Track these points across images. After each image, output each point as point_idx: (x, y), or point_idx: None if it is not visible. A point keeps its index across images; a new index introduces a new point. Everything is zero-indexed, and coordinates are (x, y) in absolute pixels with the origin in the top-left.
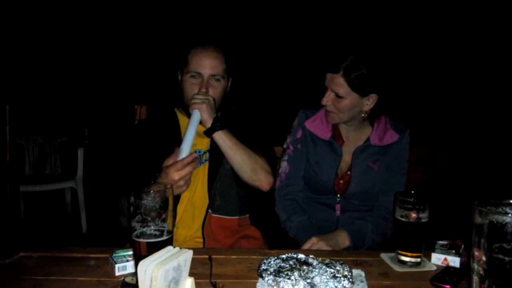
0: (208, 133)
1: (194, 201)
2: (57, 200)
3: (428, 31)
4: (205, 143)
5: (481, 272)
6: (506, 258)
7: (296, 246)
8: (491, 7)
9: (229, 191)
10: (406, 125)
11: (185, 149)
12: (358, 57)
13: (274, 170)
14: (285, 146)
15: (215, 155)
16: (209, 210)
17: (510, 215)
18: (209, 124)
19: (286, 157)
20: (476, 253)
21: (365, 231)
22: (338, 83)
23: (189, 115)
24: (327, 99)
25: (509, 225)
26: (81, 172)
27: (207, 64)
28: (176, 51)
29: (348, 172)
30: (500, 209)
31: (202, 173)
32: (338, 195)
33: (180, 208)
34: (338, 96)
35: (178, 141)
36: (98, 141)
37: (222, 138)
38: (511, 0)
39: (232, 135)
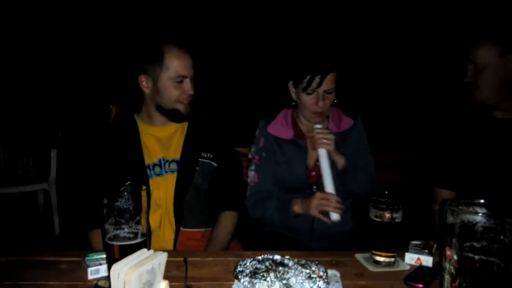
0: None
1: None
2: (29, 202)
3: (397, 37)
4: (171, 152)
5: (452, 271)
6: (476, 256)
7: (272, 247)
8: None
9: (197, 206)
10: (380, 127)
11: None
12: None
13: (240, 175)
14: (250, 156)
15: (186, 169)
16: (181, 228)
17: (480, 214)
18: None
19: (253, 167)
20: (448, 252)
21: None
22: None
23: (160, 121)
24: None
25: (479, 225)
26: (54, 174)
27: (189, 66)
28: (138, 54)
29: (317, 163)
30: (470, 209)
31: (166, 186)
32: (314, 186)
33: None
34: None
35: (137, 149)
36: (72, 142)
37: None
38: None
39: None
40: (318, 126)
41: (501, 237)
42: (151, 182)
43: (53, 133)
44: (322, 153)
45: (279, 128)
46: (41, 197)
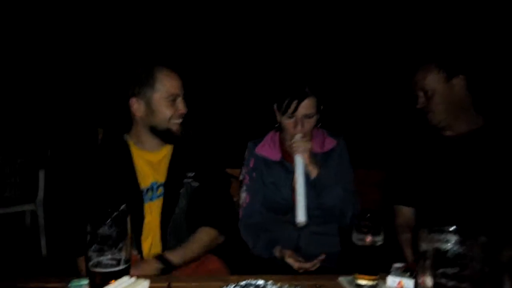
0: None
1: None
2: (16, 223)
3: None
4: (159, 175)
5: None
6: (449, 282)
7: (258, 270)
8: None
9: (182, 230)
10: (364, 148)
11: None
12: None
13: (225, 194)
14: (241, 177)
15: (171, 192)
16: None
17: (451, 242)
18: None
19: (244, 188)
20: (421, 279)
21: None
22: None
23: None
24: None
25: (451, 252)
26: (41, 195)
27: (180, 85)
28: (127, 77)
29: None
30: (443, 236)
31: (155, 210)
32: None
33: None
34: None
35: (130, 172)
36: (60, 164)
37: None
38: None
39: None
40: (298, 136)
41: (472, 263)
42: (145, 207)
43: (42, 154)
44: (297, 160)
45: (267, 149)
46: (28, 218)
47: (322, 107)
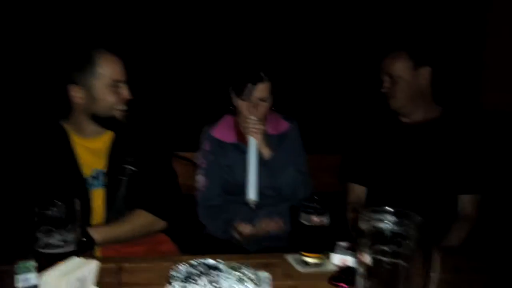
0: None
1: None
2: None
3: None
4: (103, 162)
5: (364, 273)
6: (386, 259)
7: (209, 250)
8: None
9: (123, 215)
10: (318, 132)
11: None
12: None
13: (175, 186)
14: (197, 161)
15: (112, 180)
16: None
17: (387, 221)
18: (267, 152)
19: (201, 171)
20: (359, 256)
21: None
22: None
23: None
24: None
25: (387, 231)
26: None
27: (122, 70)
28: (64, 62)
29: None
30: (380, 216)
31: (99, 198)
32: None
33: None
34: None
35: (71, 161)
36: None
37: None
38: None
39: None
40: (252, 117)
41: (407, 242)
42: (92, 194)
43: None
44: (251, 141)
45: (222, 132)
46: None
47: (275, 90)
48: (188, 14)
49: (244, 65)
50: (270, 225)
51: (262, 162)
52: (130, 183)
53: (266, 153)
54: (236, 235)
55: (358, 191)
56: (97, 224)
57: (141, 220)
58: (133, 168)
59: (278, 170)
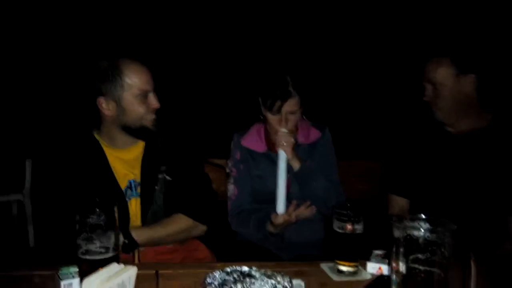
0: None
1: None
2: (3, 213)
3: (367, 50)
4: (136, 172)
5: (399, 281)
6: (421, 267)
7: (244, 257)
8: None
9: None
10: (349, 138)
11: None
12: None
13: (210, 190)
14: (228, 170)
15: (146, 190)
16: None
17: (423, 229)
18: (297, 164)
19: (232, 180)
20: (394, 264)
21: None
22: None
23: (123, 140)
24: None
25: (422, 239)
26: (28, 184)
27: (150, 79)
28: (92, 75)
29: (287, 175)
30: (415, 224)
31: (136, 208)
32: None
33: None
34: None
35: (109, 174)
36: (47, 154)
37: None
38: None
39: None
40: (283, 130)
41: (442, 250)
42: (128, 204)
43: (28, 143)
44: (281, 155)
45: (252, 141)
46: (15, 208)
47: (307, 99)
48: (217, 22)
49: (272, 80)
50: (303, 211)
51: (292, 173)
52: (166, 193)
53: (296, 165)
54: (271, 228)
55: (401, 203)
56: (138, 226)
57: (181, 224)
58: (168, 177)
59: (308, 181)
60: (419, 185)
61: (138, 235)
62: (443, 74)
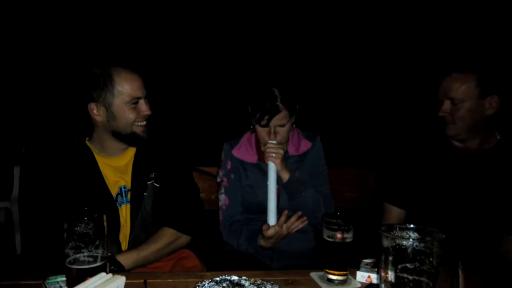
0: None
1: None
2: None
3: (362, 56)
4: (127, 178)
5: None
6: (409, 277)
7: (234, 266)
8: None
9: (151, 231)
10: (340, 147)
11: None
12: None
13: (197, 200)
14: (218, 180)
15: (136, 196)
16: None
17: (411, 239)
18: (287, 175)
19: (222, 190)
20: (383, 274)
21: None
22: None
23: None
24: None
25: (411, 248)
26: (16, 192)
27: (141, 86)
28: (83, 81)
29: (277, 187)
30: (404, 234)
31: (127, 214)
32: None
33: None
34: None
35: (100, 181)
36: (35, 161)
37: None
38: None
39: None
40: (272, 141)
41: (430, 259)
42: (119, 211)
43: (16, 150)
44: (270, 166)
45: (243, 151)
46: (2, 215)
47: (297, 107)
48: (208, 31)
49: (260, 93)
50: (295, 223)
51: (282, 184)
52: (155, 199)
53: (286, 176)
54: (263, 242)
55: (396, 213)
56: (124, 251)
57: (166, 238)
58: (156, 184)
59: (297, 192)
60: (418, 197)
61: (125, 260)
62: (467, 92)
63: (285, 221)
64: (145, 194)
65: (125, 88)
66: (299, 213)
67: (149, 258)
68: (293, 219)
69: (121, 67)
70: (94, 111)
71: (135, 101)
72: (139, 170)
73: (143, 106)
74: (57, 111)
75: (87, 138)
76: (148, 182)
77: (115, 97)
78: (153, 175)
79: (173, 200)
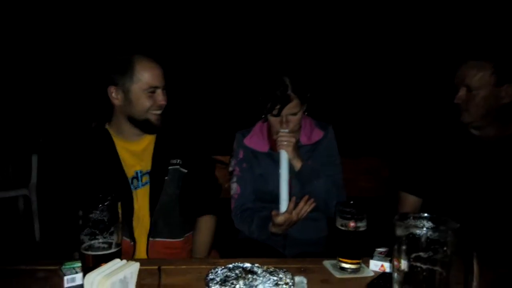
0: None
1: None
2: (9, 208)
3: (370, 48)
4: (144, 163)
5: (400, 280)
6: (423, 266)
7: (247, 253)
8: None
9: (172, 215)
10: (355, 136)
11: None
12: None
13: (212, 178)
14: (231, 169)
15: (156, 180)
16: (150, 238)
17: (425, 228)
18: (299, 164)
19: (235, 179)
20: (396, 263)
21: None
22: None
23: (131, 132)
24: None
25: (425, 237)
26: (35, 179)
27: (160, 76)
28: (107, 65)
29: (289, 175)
30: (418, 223)
31: (143, 198)
32: None
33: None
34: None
35: (116, 163)
36: (52, 149)
37: None
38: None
39: None
40: (284, 130)
41: (444, 248)
42: (134, 195)
43: (34, 138)
44: (283, 155)
45: (255, 141)
46: (21, 203)
47: (309, 95)
48: (220, 25)
49: (271, 83)
50: (303, 207)
51: (294, 173)
52: (183, 186)
53: (298, 164)
54: (274, 229)
55: (413, 201)
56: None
57: (211, 225)
58: (183, 169)
59: (309, 180)
60: (434, 185)
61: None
62: (483, 80)
63: (294, 207)
64: (166, 178)
65: (144, 76)
66: (307, 196)
67: (207, 247)
68: (301, 204)
69: (144, 55)
70: (113, 94)
71: (152, 90)
72: (160, 154)
73: (159, 96)
74: (75, 98)
75: (106, 123)
76: (170, 167)
77: (134, 83)
78: (179, 162)
79: (204, 186)
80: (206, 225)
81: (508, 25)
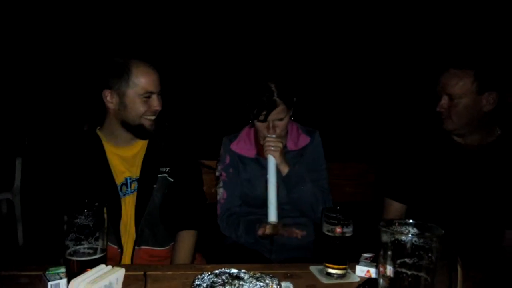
0: None
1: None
2: None
3: (359, 54)
4: (134, 169)
5: (386, 286)
6: (408, 272)
7: (233, 259)
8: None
9: (158, 224)
10: (341, 141)
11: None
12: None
13: (199, 189)
14: (217, 174)
15: (144, 187)
16: (135, 247)
17: (410, 234)
18: (286, 169)
19: (221, 184)
20: (381, 268)
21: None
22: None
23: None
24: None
25: (410, 243)
26: (18, 183)
27: (156, 82)
28: (103, 68)
29: (276, 180)
30: (403, 229)
31: (130, 205)
32: None
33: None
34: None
35: (105, 169)
36: (37, 152)
37: None
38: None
39: None
40: (271, 135)
41: (429, 254)
42: (122, 201)
43: (18, 141)
44: (270, 160)
45: (242, 146)
46: (4, 207)
47: (295, 99)
48: (204, 27)
49: (256, 89)
50: (292, 232)
51: (281, 178)
52: (168, 194)
53: (285, 169)
54: (261, 232)
55: (397, 208)
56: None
57: (190, 241)
58: (170, 179)
59: (296, 186)
60: (418, 191)
61: None
62: (464, 88)
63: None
64: (154, 186)
65: (141, 81)
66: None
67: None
68: (293, 228)
69: (141, 60)
70: (108, 98)
71: (147, 95)
72: (150, 161)
73: (154, 101)
74: (64, 99)
75: (98, 127)
76: (159, 175)
77: (130, 87)
78: (167, 170)
79: (189, 198)
80: (185, 240)
81: (488, 33)
